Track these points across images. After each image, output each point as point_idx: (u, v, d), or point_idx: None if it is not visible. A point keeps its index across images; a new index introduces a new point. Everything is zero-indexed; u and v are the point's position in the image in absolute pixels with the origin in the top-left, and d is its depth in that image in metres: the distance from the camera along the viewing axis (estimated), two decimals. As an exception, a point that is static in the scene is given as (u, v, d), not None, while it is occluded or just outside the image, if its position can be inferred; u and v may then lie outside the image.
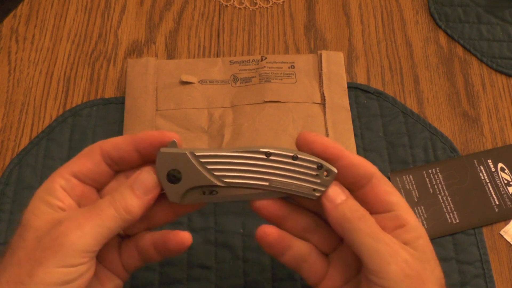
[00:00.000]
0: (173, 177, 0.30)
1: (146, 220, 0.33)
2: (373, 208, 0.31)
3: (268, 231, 0.32)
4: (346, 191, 0.31)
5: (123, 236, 0.34)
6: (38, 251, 0.27)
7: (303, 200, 0.33)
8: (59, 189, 0.29)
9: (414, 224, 0.30)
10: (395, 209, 0.31)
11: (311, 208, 0.33)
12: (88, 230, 0.27)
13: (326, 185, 0.30)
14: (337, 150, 0.30)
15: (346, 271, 0.33)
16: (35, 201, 0.29)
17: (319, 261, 0.33)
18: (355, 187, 0.31)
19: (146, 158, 0.31)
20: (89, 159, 0.30)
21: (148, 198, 0.30)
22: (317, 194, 0.31)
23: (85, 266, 0.28)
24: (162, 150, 0.30)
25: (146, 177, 0.30)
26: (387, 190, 0.31)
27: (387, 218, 0.31)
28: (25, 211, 0.29)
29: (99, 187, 0.32)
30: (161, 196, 0.32)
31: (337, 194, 0.30)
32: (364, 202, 0.31)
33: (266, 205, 0.32)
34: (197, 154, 0.30)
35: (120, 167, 0.32)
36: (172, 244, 0.32)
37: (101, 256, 0.33)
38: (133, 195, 0.29)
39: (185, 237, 0.32)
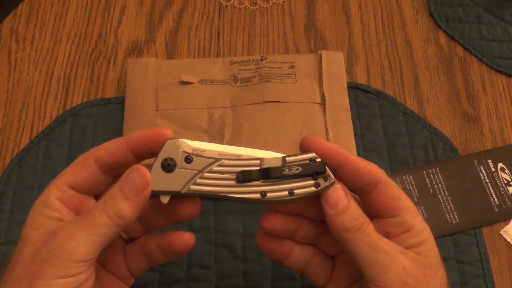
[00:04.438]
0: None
1: (145, 223, 0.33)
2: (379, 213, 0.31)
3: (266, 237, 0.32)
4: (349, 194, 0.30)
5: (127, 240, 0.34)
6: (36, 264, 0.27)
7: (310, 209, 0.32)
8: (56, 201, 0.29)
9: (419, 229, 0.30)
10: (402, 214, 0.30)
11: (319, 218, 0.33)
12: (83, 240, 0.27)
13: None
14: (341, 155, 0.29)
15: (352, 272, 0.33)
16: (33, 214, 0.29)
17: (324, 263, 0.33)
18: (360, 192, 0.31)
19: (142, 158, 0.31)
20: (84, 169, 0.30)
21: (140, 198, 0.28)
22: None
23: (85, 275, 0.27)
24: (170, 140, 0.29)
25: (136, 177, 0.28)
26: (393, 196, 0.30)
27: (393, 223, 0.30)
28: (23, 225, 0.29)
29: (97, 194, 0.32)
30: (154, 202, 0.32)
31: (339, 200, 0.29)
32: (370, 206, 0.31)
33: (275, 223, 0.32)
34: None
35: (118, 172, 0.31)
36: (176, 245, 0.32)
37: (105, 262, 0.32)
38: (125, 199, 0.28)
39: (188, 238, 0.32)
